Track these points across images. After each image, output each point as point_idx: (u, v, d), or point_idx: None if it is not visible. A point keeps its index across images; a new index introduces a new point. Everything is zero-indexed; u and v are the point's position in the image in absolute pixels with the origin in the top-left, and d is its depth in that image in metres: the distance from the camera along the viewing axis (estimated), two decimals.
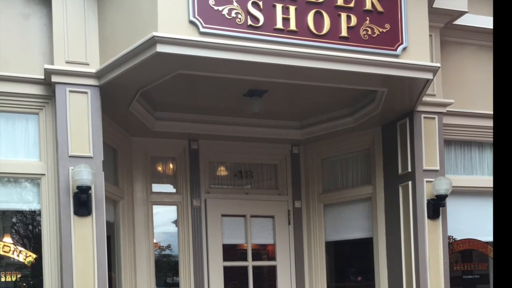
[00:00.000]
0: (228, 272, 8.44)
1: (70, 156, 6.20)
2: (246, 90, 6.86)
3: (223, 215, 8.39)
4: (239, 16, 5.78)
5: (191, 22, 5.65)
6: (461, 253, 8.36)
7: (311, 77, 6.32)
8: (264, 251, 9.12)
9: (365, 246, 8.49)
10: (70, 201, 6.18)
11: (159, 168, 8.27)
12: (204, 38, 5.65)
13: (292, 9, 5.96)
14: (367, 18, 6.21)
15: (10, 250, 6.49)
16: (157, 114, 7.53)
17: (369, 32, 6.21)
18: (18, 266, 6.57)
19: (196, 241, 8.14)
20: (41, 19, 6.37)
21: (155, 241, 8.18)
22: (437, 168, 7.34)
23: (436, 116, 7.35)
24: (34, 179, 6.47)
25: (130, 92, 6.46)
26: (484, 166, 8.23)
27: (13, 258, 6.50)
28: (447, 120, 7.53)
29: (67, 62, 6.25)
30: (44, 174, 6.40)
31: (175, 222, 8.23)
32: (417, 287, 7.32)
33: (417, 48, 6.41)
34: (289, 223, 8.69)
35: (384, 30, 6.26)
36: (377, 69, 6.22)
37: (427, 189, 7.29)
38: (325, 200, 8.60)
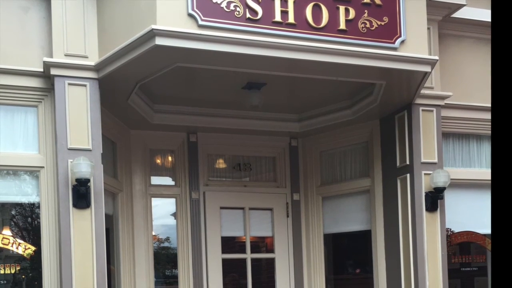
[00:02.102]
0: (227, 265, 8.46)
1: (69, 149, 6.21)
2: (245, 83, 6.87)
3: (221, 208, 8.39)
4: (238, 9, 5.79)
5: (190, 15, 5.66)
6: (459, 246, 8.38)
7: (309, 70, 6.33)
8: (262, 244, 9.14)
9: (363, 239, 8.51)
10: (69, 193, 6.19)
11: (158, 161, 8.27)
12: (202, 31, 5.66)
13: (290, 2, 5.96)
14: (366, 11, 6.22)
15: (9, 242, 6.50)
16: (156, 107, 7.54)
17: (368, 25, 6.22)
18: (17, 258, 6.58)
19: (194, 234, 8.16)
20: (40, 12, 6.37)
21: (153, 233, 8.19)
22: (435, 160, 7.36)
23: (434, 109, 7.37)
24: (33, 172, 6.48)
25: (129, 85, 6.46)
26: (482, 159, 8.24)
27: (12, 250, 6.51)
28: (445, 112, 7.54)
29: (66, 55, 6.26)
30: (43, 167, 6.41)
31: (174, 215, 8.24)
32: (415, 280, 7.33)
33: (415, 41, 6.41)
34: (287, 216, 8.70)
35: (382, 23, 6.27)
36: (376, 62, 6.24)
37: (425, 182, 7.31)
38: (323, 193, 8.62)
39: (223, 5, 5.75)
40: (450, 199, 7.59)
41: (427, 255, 7.32)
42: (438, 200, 7.32)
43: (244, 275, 8.52)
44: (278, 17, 5.91)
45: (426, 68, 6.47)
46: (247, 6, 5.82)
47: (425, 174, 7.31)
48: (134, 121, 7.57)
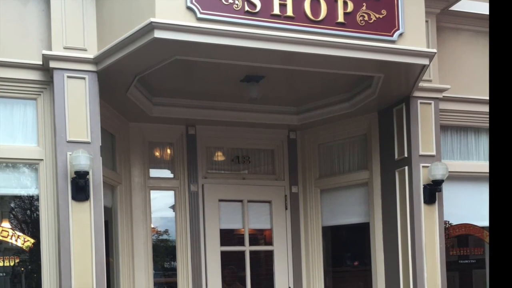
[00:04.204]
0: (225, 257, 8.47)
1: (68, 142, 6.21)
2: (244, 75, 6.87)
3: (220, 200, 8.40)
4: (236, 2, 5.78)
5: (189, 8, 5.66)
6: (457, 238, 8.40)
7: (308, 63, 6.33)
8: (261, 236, 9.15)
9: (361, 231, 8.53)
10: (68, 186, 6.19)
11: (157, 153, 8.28)
12: (201, 24, 5.66)
13: None
14: (364, 4, 6.22)
15: (8, 235, 6.51)
16: (154, 100, 7.54)
17: (366, 18, 6.22)
18: (16, 251, 6.60)
19: (193, 226, 8.16)
20: (39, 5, 6.36)
21: (152, 226, 8.19)
22: (433, 153, 7.36)
23: (432, 102, 7.37)
24: (32, 164, 6.48)
25: (127, 77, 6.47)
26: (480, 151, 8.24)
27: (11, 243, 6.52)
28: (443, 105, 7.54)
29: (65, 48, 6.25)
30: (42, 159, 6.41)
31: (173, 207, 8.25)
32: (414, 272, 7.35)
33: (413, 34, 6.42)
34: (286, 208, 8.71)
35: (381, 16, 6.27)
36: (374, 55, 6.24)
37: (423, 174, 7.32)
38: (321, 185, 8.62)
39: None
40: (448, 191, 7.62)
41: (425, 247, 7.33)
42: (436, 193, 7.33)
43: (242, 268, 8.53)
44: (276, 10, 5.91)
45: (424, 61, 6.47)
46: None
47: (423, 166, 7.32)
48: (133, 114, 7.57)
